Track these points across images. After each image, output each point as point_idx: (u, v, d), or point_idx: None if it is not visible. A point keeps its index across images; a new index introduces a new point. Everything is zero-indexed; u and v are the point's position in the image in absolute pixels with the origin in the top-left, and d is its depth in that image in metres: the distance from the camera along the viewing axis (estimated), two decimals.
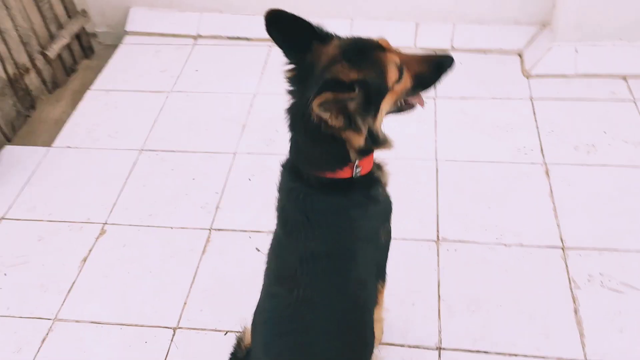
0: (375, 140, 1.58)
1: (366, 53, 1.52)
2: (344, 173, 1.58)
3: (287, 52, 1.56)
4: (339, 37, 1.59)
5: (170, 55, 3.90)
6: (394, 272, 2.53)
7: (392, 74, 1.53)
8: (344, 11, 3.85)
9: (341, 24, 3.85)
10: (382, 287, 1.93)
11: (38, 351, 2.43)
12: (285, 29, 1.54)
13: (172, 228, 2.85)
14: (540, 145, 3.06)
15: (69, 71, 4.00)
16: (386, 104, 1.55)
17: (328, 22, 3.94)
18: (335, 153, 1.53)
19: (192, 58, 3.86)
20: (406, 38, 3.78)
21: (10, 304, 2.61)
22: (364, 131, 1.50)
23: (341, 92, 1.39)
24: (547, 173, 2.92)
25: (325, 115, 1.40)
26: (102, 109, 3.58)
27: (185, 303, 2.54)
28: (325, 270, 1.63)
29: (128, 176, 3.13)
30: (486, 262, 2.58)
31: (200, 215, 2.88)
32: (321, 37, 1.56)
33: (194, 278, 2.63)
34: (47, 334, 2.49)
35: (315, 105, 1.33)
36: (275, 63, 3.60)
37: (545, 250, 2.60)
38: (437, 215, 2.78)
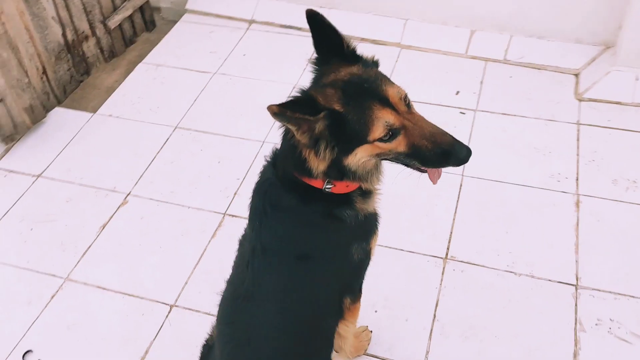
0: (344, 173, 1.54)
1: (364, 97, 1.46)
2: (315, 182, 1.56)
3: (317, 50, 1.58)
4: (365, 64, 1.56)
5: (222, 37, 3.97)
6: (393, 284, 2.51)
7: (376, 130, 1.45)
8: (399, 10, 3.77)
9: (394, 23, 3.78)
10: (352, 303, 1.88)
11: (45, 306, 2.58)
12: (321, 31, 1.55)
13: (189, 207, 2.92)
14: (577, 174, 2.89)
15: (128, 42, 4.14)
16: (364, 151, 1.49)
17: (381, 20, 3.89)
18: (300, 162, 1.52)
19: (242, 42, 3.91)
20: (459, 44, 3.66)
21: (30, 258, 2.77)
22: (325, 159, 1.48)
23: (302, 112, 1.37)
24: (577, 204, 2.76)
25: (292, 128, 1.41)
26: (150, 83, 3.70)
27: (186, 282, 2.61)
28: (273, 267, 1.64)
29: (159, 151, 3.23)
30: (491, 289, 2.48)
31: (218, 199, 2.94)
32: (346, 55, 1.55)
33: (199, 259, 2.69)
34: (57, 292, 2.63)
35: (270, 111, 1.32)
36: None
37: (557, 285, 2.47)
38: (451, 233, 2.69)
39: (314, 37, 1.56)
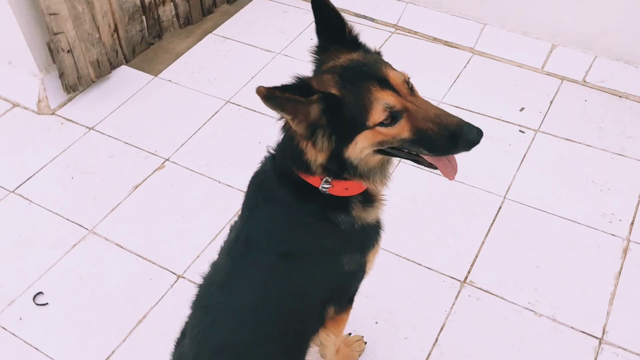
0: (344, 167, 1.45)
1: (362, 79, 1.38)
2: (312, 180, 1.49)
3: (319, 37, 1.53)
4: (366, 51, 1.50)
5: (295, 18, 3.93)
6: (401, 298, 2.40)
7: (375, 113, 1.36)
8: (478, 13, 3.55)
9: (471, 26, 3.57)
10: (337, 314, 1.78)
11: (66, 254, 2.67)
12: (325, 15, 1.50)
13: (219, 182, 2.92)
14: (633, 218, 2.61)
15: (206, 12, 4.19)
16: (365, 139, 1.39)
17: (458, 21, 3.69)
18: (297, 155, 1.45)
19: (312, 26, 3.83)
20: (536, 58, 3.40)
21: (65, 205, 2.89)
22: (324, 150, 1.40)
23: (292, 92, 1.29)
24: (625, 251, 2.49)
25: (287, 117, 1.36)
26: (214, 54, 3.73)
27: (198, 256, 2.62)
28: (253, 259, 1.58)
29: (206, 122, 3.25)
30: (505, 324, 2.29)
31: (248, 178, 2.91)
32: (348, 41, 1.50)
33: (216, 235, 2.69)
34: (79, 241, 2.72)
35: (258, 94, 1.26)
36: (388, 50, 3.45)
37: (579, 335, 2.24)
38: (476, 256, 2.52)
39: (317, 22, 1.50)
